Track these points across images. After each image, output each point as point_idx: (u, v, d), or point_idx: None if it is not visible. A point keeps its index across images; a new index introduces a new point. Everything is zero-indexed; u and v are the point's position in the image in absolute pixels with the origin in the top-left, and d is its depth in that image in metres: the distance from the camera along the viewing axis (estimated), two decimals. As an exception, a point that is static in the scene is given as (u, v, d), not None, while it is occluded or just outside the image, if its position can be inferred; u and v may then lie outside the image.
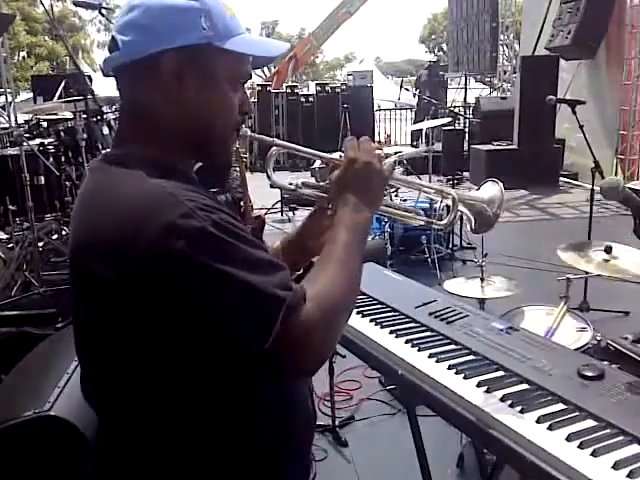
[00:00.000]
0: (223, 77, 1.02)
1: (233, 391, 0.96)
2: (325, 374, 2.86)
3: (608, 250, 2.37)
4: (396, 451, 2.75)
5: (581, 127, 3.89)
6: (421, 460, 2.08)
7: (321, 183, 1.25)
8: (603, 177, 3.99)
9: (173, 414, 0.95)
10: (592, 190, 4.13)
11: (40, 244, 4.47)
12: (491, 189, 1.30)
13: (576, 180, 8.88)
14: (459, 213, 1.29)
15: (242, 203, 5.05)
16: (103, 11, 3.93)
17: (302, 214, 7.32)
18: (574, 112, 3.90)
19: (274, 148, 1.25)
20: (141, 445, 0.99)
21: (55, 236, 4.60)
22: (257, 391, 0.98)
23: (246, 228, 0.96)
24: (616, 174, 8.46)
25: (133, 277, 0.87)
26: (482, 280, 2.70)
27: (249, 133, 1.17)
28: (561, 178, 8.99)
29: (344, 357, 3.08)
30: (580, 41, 8.31)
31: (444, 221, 1.31)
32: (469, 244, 5.76)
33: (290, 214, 7.36)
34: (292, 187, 1.26)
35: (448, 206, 1.28)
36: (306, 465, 1.22)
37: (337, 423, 2.93)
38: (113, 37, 1.00)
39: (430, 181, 6.07)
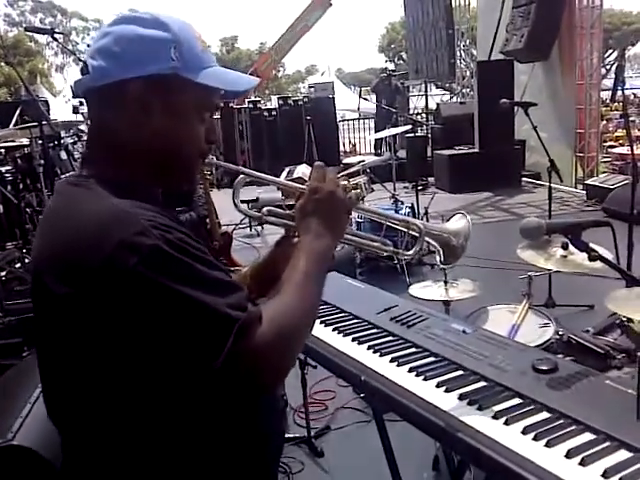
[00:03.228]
0: (189, 107, 1.05)
1: (195, 407, 0.97)
2: (299, 386, 2.87)
3: (565, 246, 2.43)
4: (373, 458, 2.74)
5: (534, 128, 3.99)
6: (391, 465, 2.10)
7: (286, 212, 1.28)
8: (559, 176, 4.11)
9: (134, 429, 0.96)
10: (550, 189, 4.24)
11: (3, 273, 4.41)
12: (459, 222, 1.36)
13: (538, 180, 9.06)
14: (425, 244, 1.33)
15: (208, 220, 5.07)
16: (56, 36, 3.91)
17: (271, 228, 7.28)
18: (527, 114, 4.00)
19: (241, 176, 1.27)
20: (104, 464, 0.99)
21: (18, 265, 4.54)
22: (221, 405, 0.99)
23: (204, 249, 0.98)
24: (576, 172, 8.68)
25: (86, 292, 0.89)
26: (446, 283, 2.74)
27: (215, 161, 1.20)
28: (524, 178, 9.17)
29: (315, 367, 3.09)
30: (533, 44, 8.53)
31: (410, 251, 1.35)
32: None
33: (259, 228, 7.36)
34: (258, 215, 1.29)
35: (414, 237, 1.32)
36: (277, 464, 1.24)
37: (312, 434, 2.94)
38: (85, 61, 1.04)
39: (395, 188, 6.14)
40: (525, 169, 9.38)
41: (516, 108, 8.74)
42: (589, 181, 8.01)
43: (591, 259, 1.38)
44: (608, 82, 14.04)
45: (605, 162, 9.80)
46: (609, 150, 10.46)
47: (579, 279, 3.97)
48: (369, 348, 1.56)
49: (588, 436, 1.11)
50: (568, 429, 1.14)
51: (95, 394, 0.95)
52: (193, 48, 1.03)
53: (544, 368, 1.33)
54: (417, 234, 1.32)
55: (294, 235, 1.25)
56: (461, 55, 13.04)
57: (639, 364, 1.04)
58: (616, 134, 11.73)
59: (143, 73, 1.00)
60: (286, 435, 2.95)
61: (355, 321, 1.74)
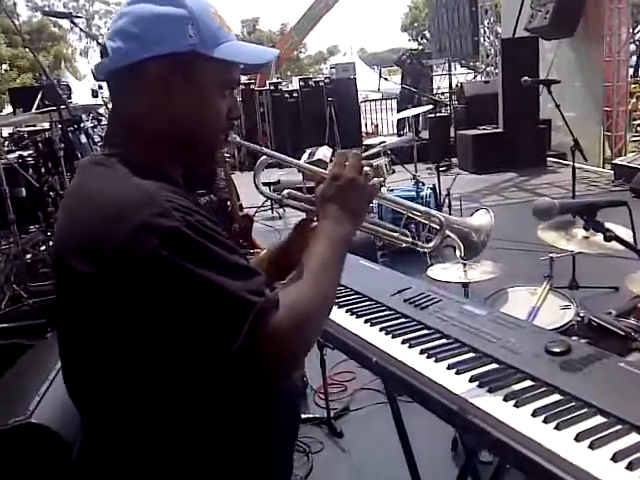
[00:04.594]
0: (210, 84, 1.04)
1: (211, 390, 0.98)
2: (319, 367, 2.89)
3: (587, 227, 2.39)
4: (391, 439, 2.77)
5: (557, 106, 3.91)
6: (405, 446, 2.11)
7: (306, 196, 1.27)
8: (583, 155, 4.02)
9: (151, 409, 0.97)
10: (573, 168, 4.16)
11: (28, 256, 4.49)
12: (481, 218, 1.34)
13: (564, 160, 8.89)
14: (446, 237, 1.31)
15: (229, 203, 5.09)
16: (76, 20, 3.93)
17: (293, 211, 7.27)
18: (549, 92, 3.91)
19: (263, 157, 1.27)
20: (122, 444, 1.01)
21: (43, 247, 4.62)
22: (236, 389, 1.00)
23: (223, 232, 0.98)
24: (603, 151, 8.49)
25: (108, 272, 0.90)
26: (464, 265, 2.72)
27: (237, 139, 1.19)
28: (549, 158, 9.02)
29: (334, 349, 3.10)
30: (558, 20, 8.32)
31: (430, 244, 1.33)
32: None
33: (280, 211, 7.38)
34: (278, 197, 1.29)
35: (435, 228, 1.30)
36: (289, 461, 1.24)
37: (332, 415, 2.96)
38: (104, 44, 1.04)
39: (416, 169, 6.08)
40: (551, 149, 9.22)
41: (541, 86, 8.62)
42: (616, 160, 7.84)
43: (607, 239, 1.35)
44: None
45: (635, 141, 9.57)
46: (638, 129, 10.20)
47: (604, 260, 3.89)
48: (381, 330, 1.56)
49: (599, 419, 1.10)
50: (579, 412, 1.12)
51: (113, 375, 0.97)
52: (210, 24, 1.03)
53: (557, 350, 1.31)
54: (438, 227, 1.31)
55: (313, 219, 1.25)
56: (485, 33, 12.80)
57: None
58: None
59: (162, 52, 0.99)
60: (306, 415, 2.98)
61: (368, 303, 1.74)
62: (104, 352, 0.95)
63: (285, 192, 1.25)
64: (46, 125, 4.53)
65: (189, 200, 0.96)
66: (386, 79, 9.83)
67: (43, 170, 4.44)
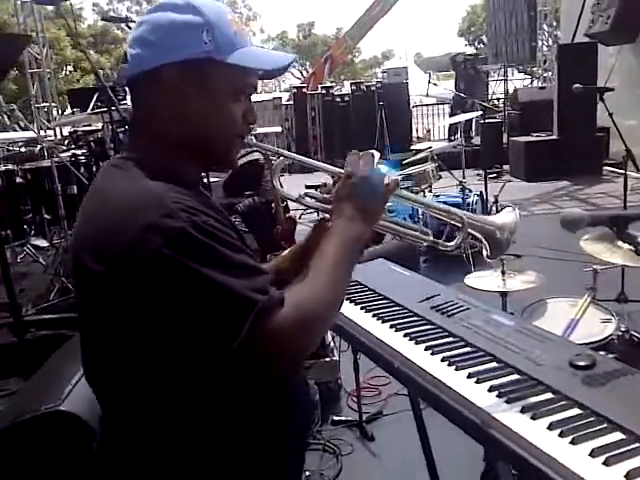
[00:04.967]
0: (224, 89, 1.08)
1: (217, 384, 1.01)
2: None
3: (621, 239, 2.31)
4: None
5: (610, 114, 3.80)
6: (426, 452, 2.09)
7: (324, 195, 1.29)
8: (635, 165, 3.89)
9: (160, 402, 1.01)
10: (625, 178, 4.03)
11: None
12: (506, 216, 1.32)
13: (622, 169, 8.58)
14: (469, 236, 1.30)
15: (273, 205, 5.16)
16: (131, 24, 4.07)
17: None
18: (602, 99, 3.81)
19: (281, 158, 1.29)
20: (135, 435, 1.05)
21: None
22: (242, 385, 1.02)
23: (232, 233, 1.01)
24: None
25: (117, 271, 0.94)
26: (503, 273, 2.67)
27: (253, 142, 1.22)
28: (606, 167, 8.73)
29: (368, 353, 3.11)
30: (619, 25, 8.05)
31: (452, 242, 1.31)
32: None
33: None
34: (294, 197, 1.31)
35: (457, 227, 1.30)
36: (300, 456, 1.26)
37: (364, 418, 2.96)
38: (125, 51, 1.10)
39: (464, 175, 6.00)
40: (608, 157, 8.92)
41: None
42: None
43: (638, 253, 1.31)
44: None
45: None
46: None
47: (656, 274, 3.77)
48: (405, 335, 1.56)
49: (617, 435, 1.07)
50: (596, 427, 1.09)
51: (126, 369, 1.01)
52: (225, 30, 1.06)
53: (581, 364, 1.28)
54: (459, 225, 1.29)
55: (330, 219, 1.27)
56: (543, 38, 12.52)
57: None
58: None
59: (178, 58, 1.03)
60: (338, 418, 2.99)
61: (395, 308, 1.74)
62: (117, 347, 1.00)
63: (303, 192, 1.27)
64: (100, 126, 4.71)
65: (200, 201, 1.00)
66: (435, 84, 9.71)
67: (95, 168, 4.60)
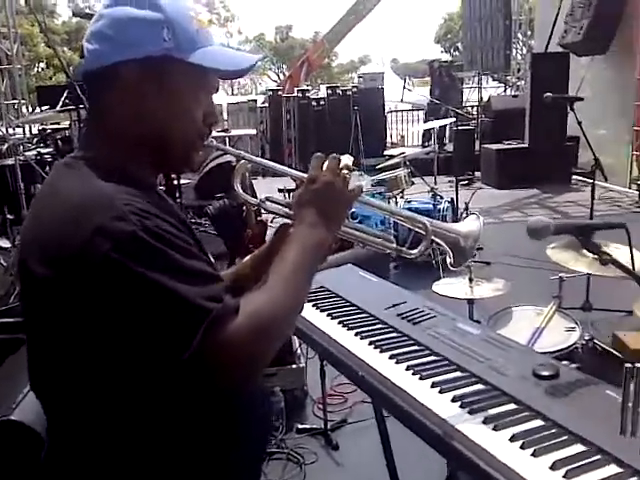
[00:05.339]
0: (184, 89, 1.04)
1: (169, 394, 0.97)
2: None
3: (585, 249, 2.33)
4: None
5: (579, 123, 3.84)
6: (388, 461, 2.07)
7: (286, 200, 1.26)
8: (604, 174, 3.95)
9: (109, 412, 0.97)
10: (593, 187, 4.08)
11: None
12: (471, 224, 1.30)
13: (591, 178, 8.72)
14: (432, 243, 1.27)
15: (244, 208, 5.11)
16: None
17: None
18: (572, 109, 3.85)
19: (242, 162, 1.26)
20: (83, 445, 1.00)
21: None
22: (194, 395, 0.98)
23: (186, 238, 0.97)
24: (631, 171, 8.32)
25: (64, 276, 0.90)
26: (471, 280, 2.68)
27: (215, 143, 1.19)
28: (575, 176, 8.86)
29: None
30: (592, 36, 8.20)
31: (415, 251, 1.29)
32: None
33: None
34: (255, 202, 1.28)
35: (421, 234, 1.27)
36: (257, 467, 1.23)
37: (329, 426, 2.93)
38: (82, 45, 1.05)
39: (436, 182, 6.02)
40: (577, 166, 9.06)
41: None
42: (641, 181, 7.68)
43: (602, 263, 1.31)
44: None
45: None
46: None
47: (620, 282, 3.81)
48: (370, 344, 1.53)
49: (579, 447, 1.06)
50: (559, 439, 1.08)
51: (71, 378, 0.96)
52: (187, 28, 1.02)
53: (545, 374, 1.28)
54: (423, 232, 1.27)
55: (291, 225, 1.24)
56: (518, 47, 12.69)
57: (625, 377, 0.98)
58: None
59: (136, 55, 1.00)
60: (303, 426, 2.95)
61: (361, 315, 1.71)
62: (62, 355, 0.95)
63: (263, 196, 1.24)
64: (67, 124, 4.61)
65: (153, 204, 0.96)
66: (410, 90, 9.76)
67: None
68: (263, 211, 5.79)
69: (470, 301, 2.68)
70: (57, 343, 0.95)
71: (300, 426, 2.93)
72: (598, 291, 4.11)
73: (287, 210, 1.25)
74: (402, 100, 8.53)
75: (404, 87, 7.99)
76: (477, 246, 1.30)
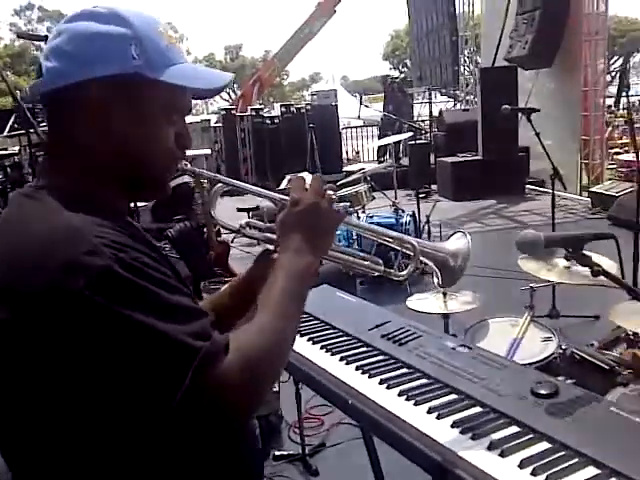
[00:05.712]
0: (155, 109, 0.95)
1: (151, 447, 0.87)
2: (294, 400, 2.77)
3: (568, 257, 2.34)
4: (369, 477, 2.66)
5: (537, 134, 3.90)
6: None
7: (267, 224, 1.18)
8: (563, 183, 4.01)
9: (87, 467, 0.86)
10: (553, 196, 4.14)
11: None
12: (458, 241, 1.24)
13: (542, 187, 8.96)
14: (420, 264, 1.22)
15: (205, 229, 4.99)
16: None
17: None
18: (529, 120, 3.91)
19: (218, 185, 1.18)
20: None
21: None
22: (180, 445, 0.89)
23: (165, 270, 0.88)
24: (580, 179, 8.57)
25: (28, 318, 0.79)
26: (444, 295, 2.65)
27: (188, 167, 1.10)
28: (528, 186, 9.07)
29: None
30: (537, 51, 8.45)
31: (404, 272, 1.23)
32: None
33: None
34: (235, 228, 1.20)
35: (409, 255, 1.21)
36: None
37: (307, 451, 2.84)
38: (39, 63, 0.95)
39: (396, 196, 6.05)
40: (529, 176, 9.28)
41: (520, 115, 8.72)
42: (594, 189, 7.89)
43: (594, 274, 1.28)
44: (613, 89, 13.94)
45: (611, 169, 9.68)
46: (615, 157, 10.33)
47: (585, 288, 3.87)
48: (357, 369, 1.47)
49: (592, 470, 1.01)
50: (570, 462, 1.04)
51: (39, 434, 0.85)
52: (157, 44, 0.94)
53: (544, 392, 1.23)
54: (411, 253, 1.21)
55: (274, 251, 1.16)
56: (465, 62, 12.98)
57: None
58: (621, 141, 11.59)
59: (101, 73, 0.90)
60: (279, 452, 2.85)
61: (344, 338, 1.65)
62: (29, 408, 0.84)
63: (243, 222, 1.16)
64: (17, 149, 4.42)
65: (128, 234, 0.86)
66: (367, 106, 9.84)
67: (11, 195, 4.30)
68: (224, 231, 5.69)
69: (445, 315, 2.64)
70: (23, 395, 0.84)
71: (277, 453, 2.82)
72: (563, 298, 4.17)
73: (268, 235, 1.17)
74: (359, 116, 8.56)
75: (361, 103, 8.01)
76: (465, 266, 1.25)
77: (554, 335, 2.48)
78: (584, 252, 1.29)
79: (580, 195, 8.32)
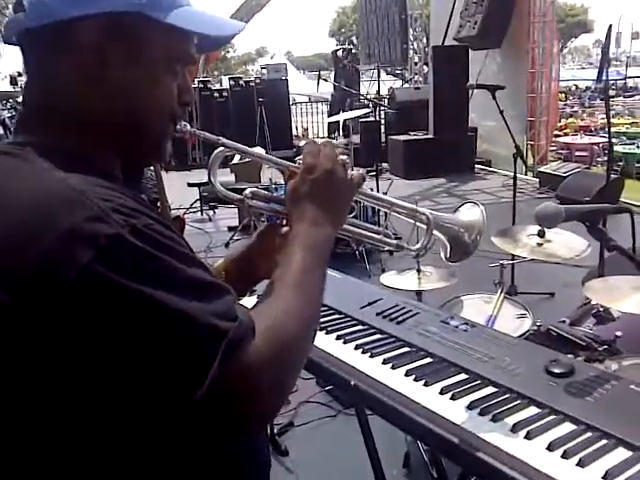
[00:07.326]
0: (157, 56, 0.82)
1: (178, 443, 0.76)
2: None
3: (541, 234, 2.34)
4: (340, 455, 2.62)
5: (501, 112, 3.91)
6: (374, 462, 1.93)
7: (274, 194, 1.08)
8: (525, 162, 4.04)
9: (92, 466, 0.75)
10: (515, 176, 4.17)
11: None
12: (471, 212, 1.16)
13: (489, 167, 9.13)
14: (433, 237, 1.14)
15: (159, 204, 4.79)
16: None
17: (223, 212, 7.06)
18: (494, 97, 3.90)
19: (219, 149, 1.05)
20: None
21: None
22: (202, 442, 0.78)
23: (181, 240, 0.76)
24: (526, 159, 8.76)
25: (24, 299, 0.65)
26: (419, 272, 2.60)
27: (190, 129, 0.97)
28: (476, 165, 9.21)
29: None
30: (486, 31, 8.52)
31: (417, 245, 1.14)
32: (395, 234, 5.71)
33: (210, 213, 7.08)
34: (239, 198, 1.08)
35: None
36: None
37: (275, 431, 2.77)
38: None
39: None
40: (477, 156, 9.42)
41: (470, 94, 8.81)
42: (542, 168, 8.08)
43: (608, 249, 1.25)
44: (564, 72, 14.23)
45: (551, 151, 9.95)
46: (554, 139, 10.62)
47: (540, 266, 3.96)
48: (357, 348, 1.39)
49: (623, 452, 0.98)
50: (599, 444, 1.00)
51: (37, 429, 0.73)
52: None
53: (559, 371, 1.19)
54: (425, 226, 1.13)
55: (282, 224, 1.06)
56: (412, 41, 12.97)
57: None
58: (560, 123, 11.91)
59: (97, 11, 0.76)
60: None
61: (337, 316, 1.57)
62: (30, 404, 0.71)
63: (248, 191, 1.04)
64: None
65: (134, 199, 0.74)
66: (326, 80, 9.68)
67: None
68: (174, 206, 5.47)
69: (418, 292, 2.61)
70: (27, 387, 0.71)
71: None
72: (519, 276, 4.24)
73: (277, 207, 1.07)
74: (317, 91, 8.40)
75: (319, 77, 7.84)
76: (480, 239, 1.18)
77: (528, 312, 2.48)
78: (600, 227, 1.25)
79: (526, 175, 8.51)
